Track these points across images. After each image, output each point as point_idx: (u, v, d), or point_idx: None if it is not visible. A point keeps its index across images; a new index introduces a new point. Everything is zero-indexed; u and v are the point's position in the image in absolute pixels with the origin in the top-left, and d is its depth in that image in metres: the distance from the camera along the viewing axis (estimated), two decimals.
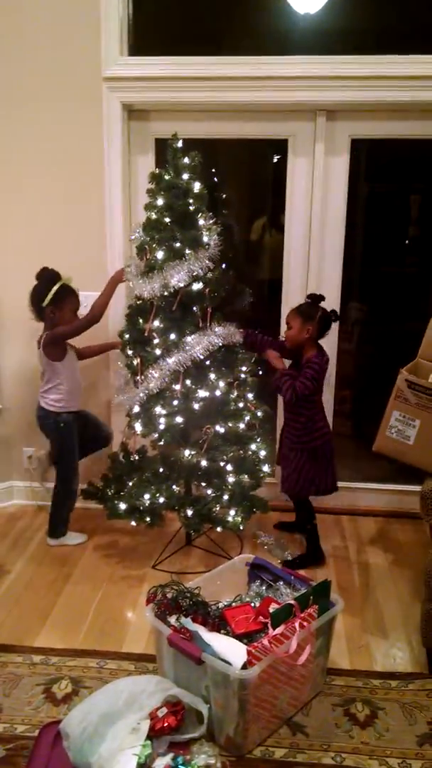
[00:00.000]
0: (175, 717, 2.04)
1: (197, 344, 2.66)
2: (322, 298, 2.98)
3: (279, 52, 3.06)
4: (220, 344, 2.73)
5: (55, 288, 2.94)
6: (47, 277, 2.98)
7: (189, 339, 2.67)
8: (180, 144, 2.73)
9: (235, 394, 2.84)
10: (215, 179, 4.08)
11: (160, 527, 2.99)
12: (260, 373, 2.99)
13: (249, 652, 1.94)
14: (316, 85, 3.04)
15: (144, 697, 2.06)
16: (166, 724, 2.01)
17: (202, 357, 2.68)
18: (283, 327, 3.17)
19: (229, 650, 2.01)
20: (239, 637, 2.10)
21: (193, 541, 3.23)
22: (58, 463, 3.21)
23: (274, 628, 2.02)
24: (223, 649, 2.02)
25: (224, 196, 4.14)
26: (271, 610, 2.09)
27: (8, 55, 3.14)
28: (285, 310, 3.42)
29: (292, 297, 3.39)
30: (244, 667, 1.95)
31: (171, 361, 2.67)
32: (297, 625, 2.04)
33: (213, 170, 4.06)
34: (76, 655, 2.48)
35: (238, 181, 4.11)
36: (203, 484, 2.89)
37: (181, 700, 2.07)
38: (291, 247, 3.37)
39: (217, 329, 2.73)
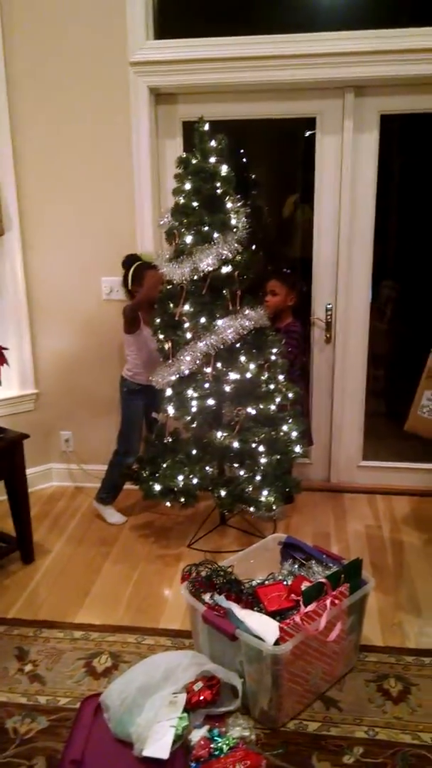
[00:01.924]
0: (210, 691, 2.10)
1: (228, 327, 2.69)
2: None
3: (306, 29, 3.02)
4: (251, 327, 2.74)
5: (131, 271, 3.08)
6: (126, 263, 3.15)
7: (219, 323, 2.70)
8: (206, 127, 2.72)
9: (266, 375, 2.85)
10: (244, 160, 4.08)
11: (194, 508, 3.06)
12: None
13: (281, 629, 1.99)
14: (344, 61, 3.00)
15: (179, 671, 2.14)
16: (201, 698, 2.08)
17: (232, 340, 2.71)
18: (319, 307, 3.22)
19: (262, 627, 2.06)
20: (272, 615, 2.14)
21: (227, 521, 3.28)
22: (120, 430, 3.32)
23: (305, 606, 2.06)
24: (256, 625, 2.07)
25: (254, 176, 4.13)
26: (302, 588, 2.13)
27: (36, 43, 3.17)
28: (316, 287, 3.42)
29: (322, 275, 3.38)
30: (277, 643, 1.99)
31: (201, 344, 2.70)
32: (328, 602, 2.07)
33: (242, 151, 4.06)
34: (115, 630, 2.57)
35: (269, 160, 4.09)
36: (236, 465, 2.92)
37: (216, 675, 2.13)
38: (321, 225, 3.35)
39: (247, 312, 2.74)
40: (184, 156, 2.76)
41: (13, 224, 3.36)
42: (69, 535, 3.31)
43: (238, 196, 2.79)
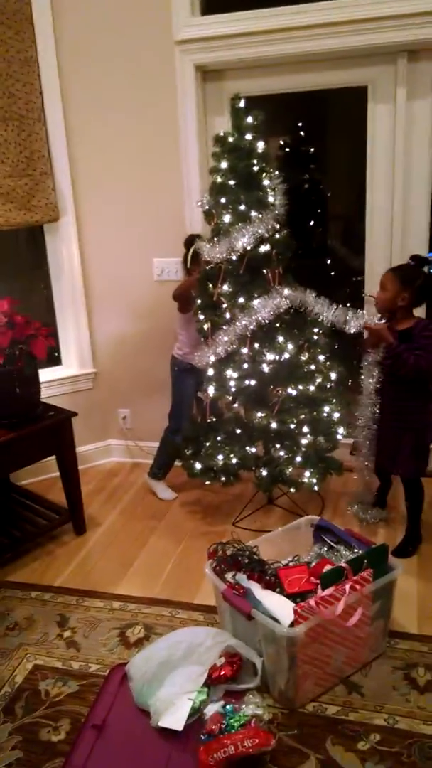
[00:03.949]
0: (231, 667, 2.14)
1: (263, 307, 2.66)
2: (427, 261, 2.69)
3: None
4: (288, 306, 2.70)
5: (189, 252, 3.07)
6: (186, 243, 3.13)
7: (255, 303, 2.67)
8: (242, 103, 2.68)
9: (306, 356, 2.81)
10: (301, 133, 3.99)
11: (240, 486, 3.08)
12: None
13: (295, 611, 1.99)
14: (395, 24, 2.84)
15: (202, 651, 2.18)
16: (222, 673, 2.12)
17: (267, 320, 2.68)
18: (373, 286, 3.03)
19: (279, 608, 2.07)
20: (292, 597, 2.14)
21: (274, 501, 3.28)
22: (171, 408, 3.39)
23: (323, 590, 2.04)
24: (273, 606, 2.08)
25: (312, 150, 4.04)
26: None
27: (82, 29, 3.21)
28: (370, 266, 3.31)
29: (373, 254, 3.27)
30: (292, 625, 1.99)
31: (238, 324, 2.69)
32: (347, 587, 2.04)
33: (299, 124, 3.98)
34: (151, 603, 2.65)
35: (326, 132, 3.98)
36: (276, 445, 2.91)
37: (238, 652, 2.16)
38: (373, 199, 3.23)
39: (285, 291, 2.70)
40: (222, 134, 2.73)
41: (68, 209, 3.45)
42: (121, 508, 3.42)
43: (277, 171, 2.73)
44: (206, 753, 1.86)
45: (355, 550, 2.31)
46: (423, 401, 2.75)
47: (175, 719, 2.01)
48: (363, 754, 1.92)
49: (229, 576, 2.25)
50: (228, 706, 2.01)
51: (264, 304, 2.67)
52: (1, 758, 1.98)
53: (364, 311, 2.75)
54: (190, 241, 3.13)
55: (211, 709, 2.02)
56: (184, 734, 1.98)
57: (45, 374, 3.29)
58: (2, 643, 2.47)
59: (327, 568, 2.17)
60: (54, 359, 3.69)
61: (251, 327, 2.67)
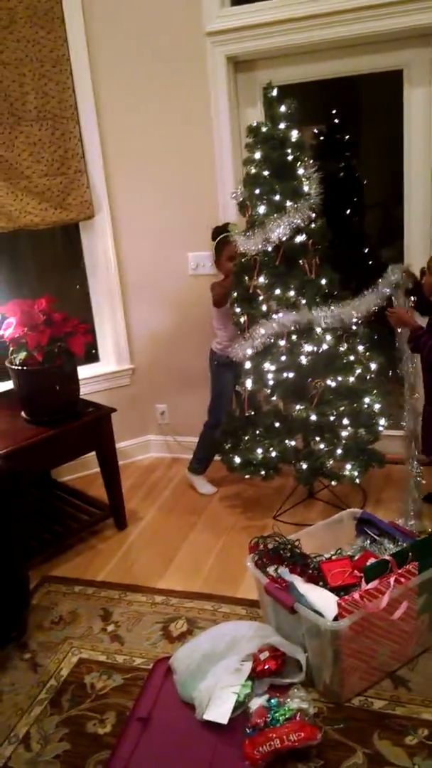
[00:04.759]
0: (275, 661, 2.13)
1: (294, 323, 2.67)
2: None
3: None
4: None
5: (215, 244, 3.08)
6: (213, 235, 3.12)
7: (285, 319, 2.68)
8: (275, 93, 2.65)
9: (345, 347, 2.77)
10: (336, 121, 3.93)
11: (280, 480, 3.06)
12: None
13: (339, 605, 1.96)
14: (428, 5, 2.77)
15: (244, 642, 2.17)
16: (266, 667, 2.11)
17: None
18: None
19: (323, 602, 2.04)
20: (335, 590, 2.11)
21: (315, 494, 3.25)
22: (210, 402, 3.39)
23: (366, 583, 2.01)
24: (316, 600, 2.06)
25: (347, 137, 3.98)
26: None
27: (111, 22, 3.22)
28: (408, 253, 3.24)
29: (411, 241, 3.20)
30: (336, 619, 1.97)
31: (276, 323, 2.67)
32: (392, 580, 2.01)
33: (333, 111, 3.92)
34: (194, 597, 2.65)
35: (362, 119, 3.92)
36: (316, 438, 2.88)
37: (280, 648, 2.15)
38: (411, 185, 3.15)
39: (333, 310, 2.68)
40: (255, 124, 2.71)
41: (102, 206, 3.47)
42: (161, 503, 3.44)
43: (312, 161, 2.70)
44: (252, 746, 1.85)
45: (400, 543, 2.27)
46: None
47: (220, 712, 2.01)
48: (411, 749, 1.89)
49: (270, 570, 2.23)
50: (273, 700, 1.99)
51: (296, 320, 2.64)
52: (49, 750, 2.01)
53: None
54: (217, 232, 3.11)
55: (255, 703, 2.01)
56: (229, 728, 1.97)
57: (83, 371, 3.32)
58: (48, 636, 2.50)
59: (370, 561, 2.14)
60: (92, 356, 3.71)
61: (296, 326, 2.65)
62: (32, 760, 1.98)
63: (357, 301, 2.71)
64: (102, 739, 2.03)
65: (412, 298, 2.69)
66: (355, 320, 2.74)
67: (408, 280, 2.72)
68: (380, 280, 2.70)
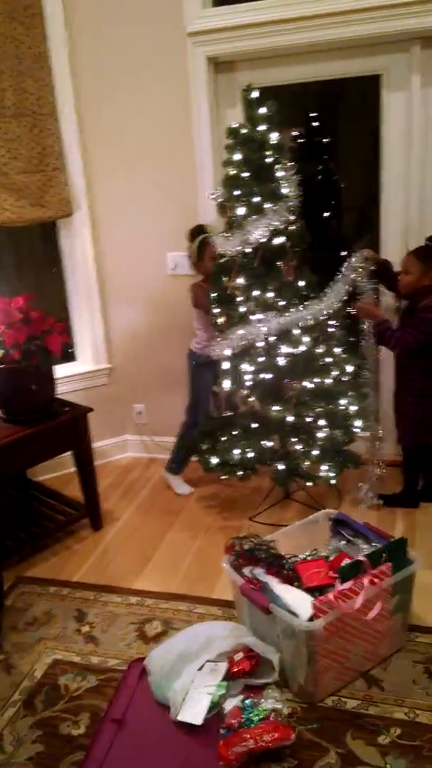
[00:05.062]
0: (249, 662, 2.13)
1: (291, 323, 2.70)
2: None
3: None
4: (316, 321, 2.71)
5: (195, 245, 3.08)
6: (191, 235, 3.12)
7: (280, 321, 2.71)
8: (256, 94, 2.66)
9: (323, 348, 2.79)
10: (314, 124, 3.95)
11: (257, 480, 3.07)
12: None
13: (314, 606, 1.98)
14: (408, 11, 2.80)
15: (218, 642, 2.17)
16: (241, 668, 2.11)
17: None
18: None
19: (297, 602, 2.06)
20: (311, 591, 2.13)
21: (291, 495, 3.26)
22: (189, 402, 3.39)
23: (341, 584, 2.03)
24: (291, 601, 2.07)
25: (325, 140, 4.00)
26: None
27: (92, 20, 3.20)
28: (384, 254, 3.27)
29: (389, 245, 3.23)
30: (311, 619, 1.98)
31: (256, 327, 2.69)
32: (366, 581, 2.03)
33: (312, 114, 3.93)
34: (169, 598, 2.65)
35: (339, 122, 3.94)
36: (293, 439, 2.89)
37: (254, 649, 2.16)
38: (390, 188, 3.19)
39: (310, 307, 2.71)
40: (235, 126, 2.71)
41: (81, 204, 3.45)
42: (138, 504, 3.43)
43: (291, 163, 2.71)
44: (226, 747, 1.86)
45: (374, 544, 2.29)
46: (420, 381, 2.91)
47: (194, 713, 2.01)
48: (384, 748, 1.91)
49: (246, 570, 2.24)
50: (247, 701, 2.00)
51: (290, 321, 2.67)
52: (23, 751, 1.99)
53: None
54: (196, 232, 3.11)
55: (230, 704, 2.01)
56: (203, 728, 1.98)
57: (60, 370, 3.29)
58: (22, 637, 2.48)
59: (345, 561, 2.15)
60: (69, 355, 3.69)
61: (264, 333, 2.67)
62: (5, 762, 1.96)
63: (328, 291, 2.78)
64: (76, 740, 2.02)
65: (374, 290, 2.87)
66: (327, 313, 2.77)
67: (369, 264, 2.86)
68: (345, 265, 2.84)
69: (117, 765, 1.90)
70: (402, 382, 3.02)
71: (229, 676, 2.11)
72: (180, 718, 2.00)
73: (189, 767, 1.88)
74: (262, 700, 1.99)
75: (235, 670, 2.11)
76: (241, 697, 2.03)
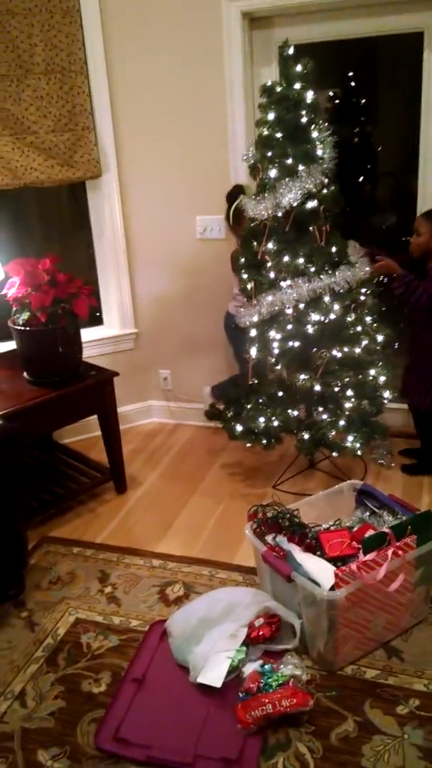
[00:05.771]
0: (269, 627, 2.14)
1: (318, 289, 2.64)
2: None
3: None
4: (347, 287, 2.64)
5: (232, 208, 3.02)
6: (229, 196, 3.08)
7: (309, 285, 2.64)
8: (291, 51, 2.56)
9: (353, 317, 2.73)
10: (351, 84, 3.82)
11: (281, 449, 3.05)
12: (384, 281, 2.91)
13: (336, 575, 1.96)
14: None
15: (240, 609, 2.19)
16: (261, 633, 2.13)
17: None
18: None
19: (320, 571, 2.05)
20: (333, 561, 2.11)
21: (316, 465, 3.24)
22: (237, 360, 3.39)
23: (364, 555, 2.01)
24: (313, 569, 2.06)
25: (363, 101, 3.88)
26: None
27: None
28: None
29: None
30: (333, 589, 1.97)
31: (285, 293, 2.63)
32: (390, 553, 2.01)
33: (350, 74, 3.81)
34: (191, 562, 2.66)
35: (379, 83, 3.81)
36: (319, 408, 2.86)
37: (277, 613, 2.16)
38: (428, 154, 3.08)
39: (343, 271, 2.64)
40: (269, 84, 2.62)
41: (110, 165, 3.39)
42: (162, 469, 3.44)
43: (326, 124, 2.62)
44: (244, 710, 1.87)
45: (399, 516, 2.26)
46: None
47: (214, 676, 2.03)
48: (401, 718, 1.91)
49: (269, 538, 2.23)
50: (266, 666, 2.01)
51: (318, 286, 2.61)
52: (44, 707, 2.03)
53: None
54: (234, 193, 3.04)
55: (249, 668, 2.02)
56: (222, 691, 2.00)
57: (86, 334, 3.28)
58: (45, 596, 2.52)
59: (369, 533, 2.13)
60: (95, 319, 3.68)
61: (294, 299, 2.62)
62: (27, 716, 2.01)
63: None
64: (97, 697, 2.05)
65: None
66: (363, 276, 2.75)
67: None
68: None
69: (136, 723, 1.93)
70: (422, 343, 2.96)
71: (248, 641, 2.12)
72: (200, 680, 2.02)
73: (207, 729, 1.91)
74: (282, 666, 2.00)
75: (254, 635, 2.12)
76: (260, 662, 2.04)
